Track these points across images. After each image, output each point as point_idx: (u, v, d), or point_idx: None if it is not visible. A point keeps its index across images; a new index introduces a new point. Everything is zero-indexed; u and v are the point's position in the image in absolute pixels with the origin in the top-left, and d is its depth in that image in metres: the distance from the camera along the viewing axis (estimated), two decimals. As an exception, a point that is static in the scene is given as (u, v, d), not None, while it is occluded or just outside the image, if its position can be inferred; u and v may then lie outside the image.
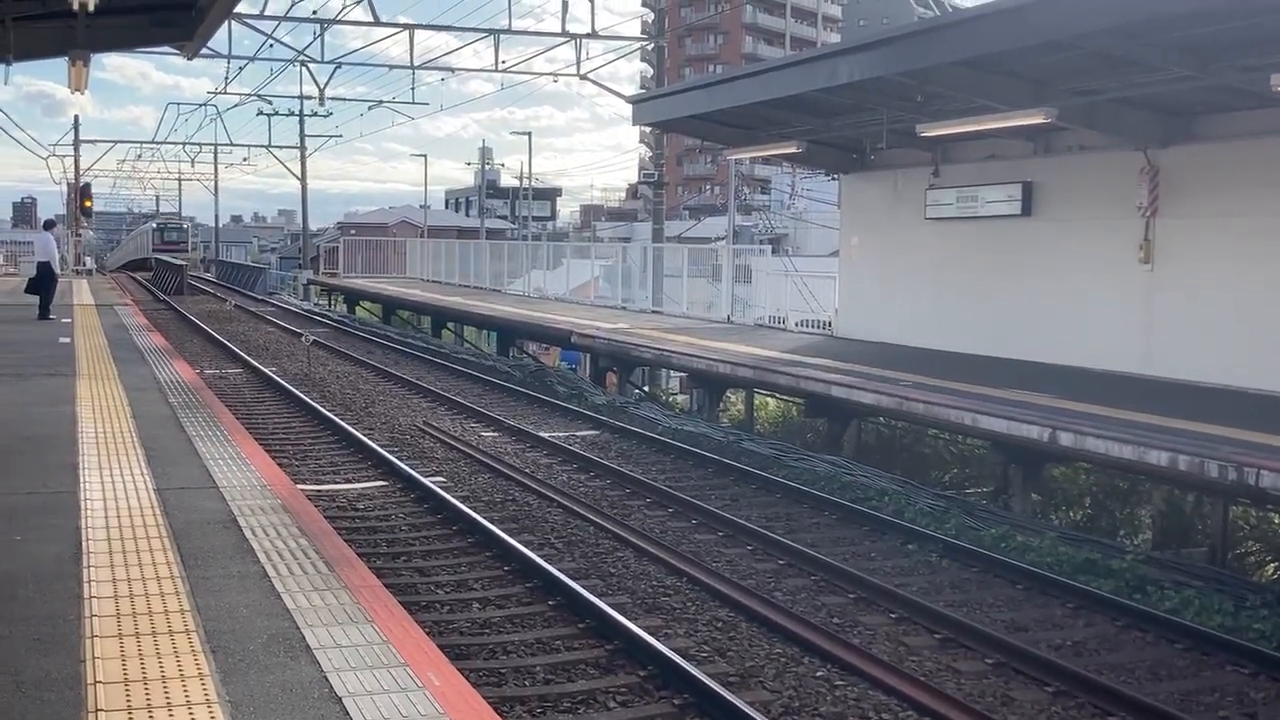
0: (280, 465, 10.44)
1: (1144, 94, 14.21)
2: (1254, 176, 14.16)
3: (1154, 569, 10.23)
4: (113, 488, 8.04)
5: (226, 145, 64.61)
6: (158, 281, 53.01)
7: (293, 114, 53.59)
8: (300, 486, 10.00)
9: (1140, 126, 15.13)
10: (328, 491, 12.29)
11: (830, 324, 22.73)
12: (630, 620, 8.13)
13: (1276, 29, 11.43)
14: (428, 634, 5.70)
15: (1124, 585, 9.76)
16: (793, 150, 20.83)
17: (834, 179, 25.85)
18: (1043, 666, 7.73)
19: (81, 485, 8.09)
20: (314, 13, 29.55)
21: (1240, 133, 14.34)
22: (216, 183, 78.09)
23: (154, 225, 77.69)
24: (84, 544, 6.60)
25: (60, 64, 15.52)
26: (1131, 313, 15.70)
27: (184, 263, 57.64)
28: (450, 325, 34.79)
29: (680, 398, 26.61)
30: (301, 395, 18.55)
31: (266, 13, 28.53)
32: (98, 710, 4.34)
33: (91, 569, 6.13)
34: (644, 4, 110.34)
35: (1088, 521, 14.21)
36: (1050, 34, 12.60)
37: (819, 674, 7.59)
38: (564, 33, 29.92)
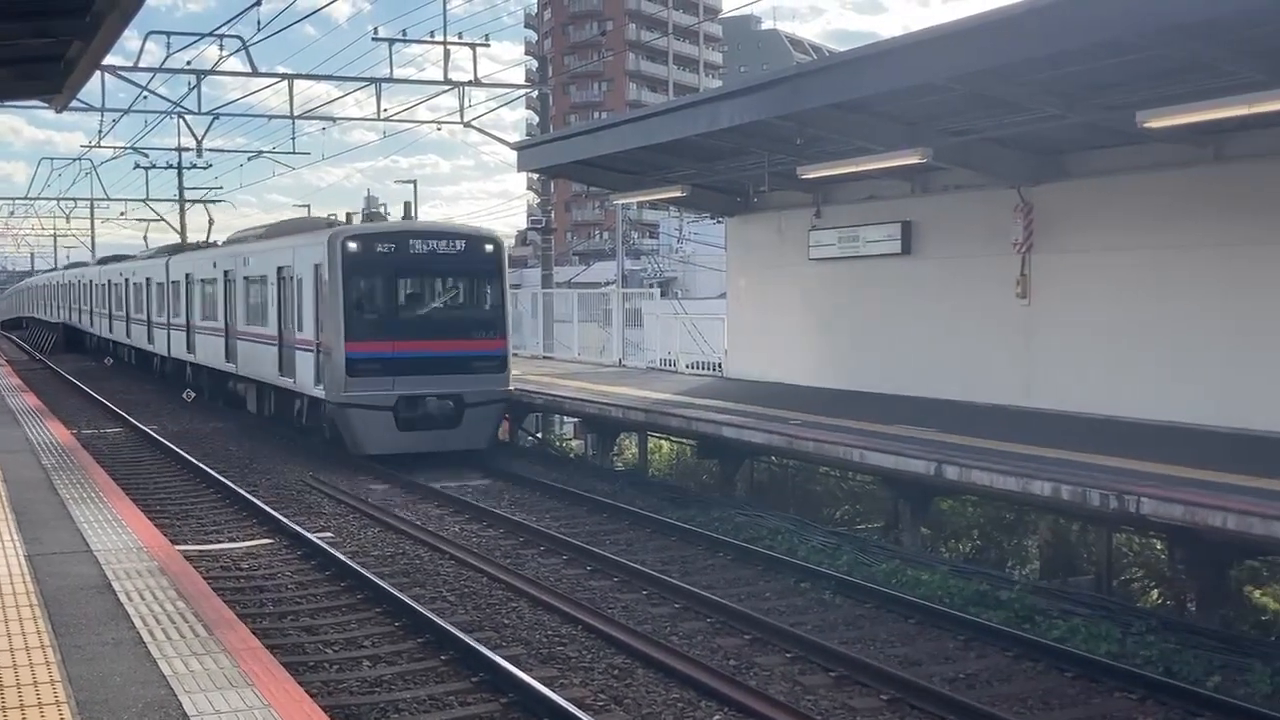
0: (160, 526, 10.13)
1: (1015, 133, 14.57)
2: (1122, 210, 14.57)
3: (1042, 599, 10.39)
4: (-21, 556, 7.71)
5: (103, 200, 62.90)
6: (31, 340, 51.32)
7: (171, 166, 52.42)
8: (181, 548, 9.71)
9: (1013, 165, 15.51)
10: (211, 551, 11.96)
11: (721, 365, 22.85)
12: (525, 672, 8.02)
13: (1139, 69, 11.82)
14: (313, 695, 5.54)
15: (1013, 616, 9.90)
16: (678, 194, 20.99)
17: (719, 222, 26.09)
18: (937, 700, 7.77)
19: (-55, 555, 7.75)
20: (189, 63, 29.00)
21: (1108, 169, 14.77)
22: (94, 239, 76.11)
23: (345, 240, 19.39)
24: (-53, 616, 6.31)
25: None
26: (1011, 347, 16.02)
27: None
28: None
29: (574, 443, 26.49)
30: (182, 453, 18.08)
31: (141, 64, 28.03)
32: (-42, 793, 4.12)
33: (-46, 642, 5.85)
34: (528, 52, 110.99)
35: (977, 553, 14.39)
36: (921, 76, 12.87)
37: (715, 718, 7.55)
38: (447, 81, 29.77)
